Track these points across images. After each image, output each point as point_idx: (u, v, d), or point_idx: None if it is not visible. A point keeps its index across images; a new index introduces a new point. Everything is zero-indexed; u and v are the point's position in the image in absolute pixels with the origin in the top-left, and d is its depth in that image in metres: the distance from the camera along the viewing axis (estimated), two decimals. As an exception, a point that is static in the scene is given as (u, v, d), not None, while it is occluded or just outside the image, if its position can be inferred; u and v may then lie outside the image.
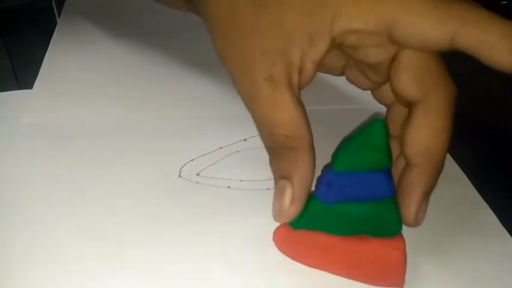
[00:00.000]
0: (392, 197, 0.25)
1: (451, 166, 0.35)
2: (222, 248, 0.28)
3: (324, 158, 0.26)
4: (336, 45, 0.25)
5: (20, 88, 0.41)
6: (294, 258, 0.27)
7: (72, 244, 0.28)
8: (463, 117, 0.40)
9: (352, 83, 0.29)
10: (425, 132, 0.24)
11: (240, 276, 0.27)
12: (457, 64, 0.50)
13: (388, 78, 0.26)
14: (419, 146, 0.24)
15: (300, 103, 0.25)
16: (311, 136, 0.25)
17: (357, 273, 0.26)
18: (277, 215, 0.25)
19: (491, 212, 0.31)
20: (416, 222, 0.25)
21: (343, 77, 0.44)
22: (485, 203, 0.32)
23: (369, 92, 0.43)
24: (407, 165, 0.25)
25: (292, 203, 0.24)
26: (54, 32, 0.49)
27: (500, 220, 0.31)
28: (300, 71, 0.25)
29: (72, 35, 0.49)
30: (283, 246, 0.28)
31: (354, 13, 0.23)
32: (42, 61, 0.44)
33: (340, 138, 0.26)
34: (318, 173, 0.26)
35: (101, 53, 0.46)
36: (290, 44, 0.24)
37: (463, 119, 0.40)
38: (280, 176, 0.25)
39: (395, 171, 0.26)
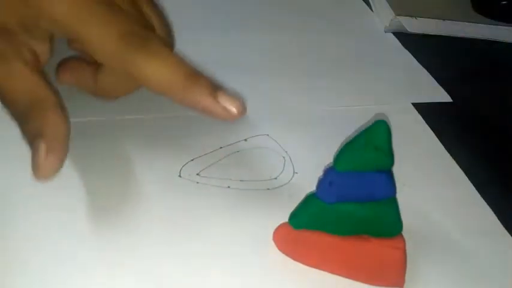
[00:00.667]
0: (393, 197, 0.25)
1: (451, 166, 0.35)
2: (221, 248, 0.28)
3: (325, 158, 0.26)
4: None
5: (20, 88, 0.41)
6: (294, 258, 0.27)
7: (71, 244, 0.28)
8: (462, 117, 0.40)
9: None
10: None
11: (240, 276, 0.27)
12: (457, 64, 0.50)
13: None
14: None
15: (40, 72, 0.29)
16: (57, 97, 0.28)
17: (357, 273, 0.27)
18: (35, 170, 0.26)
19: (491, 212, 0.31)
20: None
21: (344, 78, 0.44)
22: (485, 203, 0.32)
23: (370, 92, 0.43)
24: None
25: (47, 153, 0.25)
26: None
27: (500, 220, 0.31)
28: (31, 51, 0.30)
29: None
30: (283, 246, 0.28)
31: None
32: (42, 61, 0.44)
33: (342, 138, 0.26)
34: (319, 173, 0.26)
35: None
36: (10, 24, 0.29)
37: (463, 120, 0.40)
38: (33, 136, 0.26)
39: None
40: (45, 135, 0.26)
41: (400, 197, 0.25)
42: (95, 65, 0.32)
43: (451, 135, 0.37)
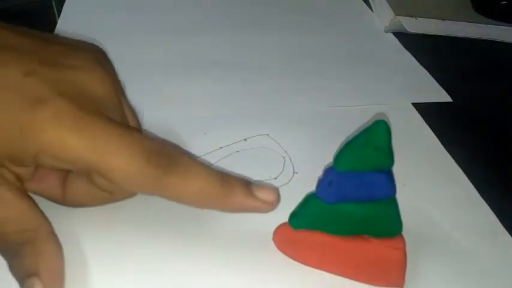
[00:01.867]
0: (393, 197, 0.25)
1: (451, 166, 0.35)
2: (222, 248, 0.28)
3: (325, 158, 0.26)
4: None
5: (20, 88, 0.41)
6: (294, 258, 0.27)
7: (71, 244, 0.28)
8: (462, 117, 0.40)
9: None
10: None
11: (240, 276, 0.27)
12: (457, 64, 0.50)
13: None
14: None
15: (26, 196, 0.25)
16: (49, 224, 0.25)
17: (357, 273, 0.27)
18: None
19: (491, 212, 0.31)
20: None
21: (344, 78, 0.44)
22: (485, 203, 0.32)
23: (370, 92, 0.43)
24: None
25: None
26: (54, 32, 0.49)
27: (500, 220, 0.31)
28: (17, 176, 0.26)
29: (72, 35, 0.49)
30: (283, 246, 0.28)
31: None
32: (42, 61, 0.44)
33: (342, 138, 0.26)
34: (319, 173, 0.26)
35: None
36: None
37: (463, 120, 0.40)
38: (26, 274, 0.23)
39: None
40: (42, 277, 0.23)
41: (400, 197, 0.25)
42: (63, 173, 0.29)
43: (451, 135, 0.37)
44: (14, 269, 0.24)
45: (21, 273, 0.23)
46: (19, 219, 0.24)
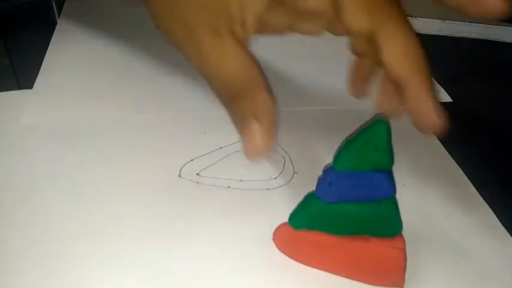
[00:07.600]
0: (393, 197, 0.25)
1: (451, 166, 0.35)
2: (222, 248, 0.28)
3: (325, 158, 0.26)
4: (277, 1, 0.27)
5: (20, 88, 0.41)
6: (294, 258, 0.27)
7: (71, 244, 0.28)
8: (462, 117, 0.40)
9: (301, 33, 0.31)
10: (398, 47, 0.27)
11: (240, 276, 0.27)
12: (457, 64, 0.50)
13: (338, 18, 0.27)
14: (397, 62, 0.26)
15: (247, 50, 0.27)
16: (265, 78, 0.26)
17: (357, 273, 0.27)
18: (250, 150, 0.25)
19: (491, 212, 0.31)
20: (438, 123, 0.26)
21: (344, 78, 0.44)
22: (485, 203, 0.32)
23: (371, 92, 0.43)
24: (400, 89, 0.25)
25: (262, 136, 0.24)
26: (54, 32, 0.49)
27: (500, 220, 0.31)
28: (242, 23, 0.26)
29: (72, 35, 0.49)
30: (283, 246, 0.28)
31: None
32: (42, 61, 0.44)
33: (342, 139, 0.26)
34: (319, 172, 0.26)
35: (101, 53, 0.46)
36: None
37: (463, 120, 0.40)
38: (243, 116, 0.25)
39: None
40: (259, 116, 0.25)
41: (400, 197, 0.25)
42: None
43: (451, 135, 0.37)
44: (233, 114, 0.26)
45: (239, 116, 0.25)
46: (240, 69, 0.26)
